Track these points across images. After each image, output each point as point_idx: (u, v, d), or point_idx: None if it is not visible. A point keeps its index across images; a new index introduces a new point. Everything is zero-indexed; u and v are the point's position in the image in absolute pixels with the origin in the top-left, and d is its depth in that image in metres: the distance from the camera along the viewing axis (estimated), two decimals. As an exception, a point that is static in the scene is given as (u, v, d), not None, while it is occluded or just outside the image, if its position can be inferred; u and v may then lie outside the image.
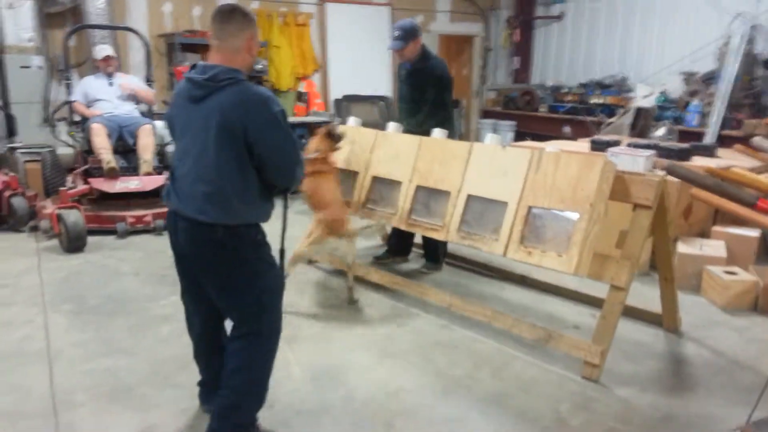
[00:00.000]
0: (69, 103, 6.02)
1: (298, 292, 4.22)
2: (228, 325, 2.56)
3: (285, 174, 2.34)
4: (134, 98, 6.17)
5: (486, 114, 10.33)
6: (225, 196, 2.25)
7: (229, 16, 2.27)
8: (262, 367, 2.48)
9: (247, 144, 2.22)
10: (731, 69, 6.72)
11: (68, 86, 6.08)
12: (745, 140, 6.05)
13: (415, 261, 4.94)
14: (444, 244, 4.60)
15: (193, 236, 2.32)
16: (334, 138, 4.07)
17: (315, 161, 3.93)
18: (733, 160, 4.95)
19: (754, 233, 4.34)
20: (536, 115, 9.15)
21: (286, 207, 2.58)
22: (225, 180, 2.24)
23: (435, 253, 4.72)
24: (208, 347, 2.65)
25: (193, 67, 2.33)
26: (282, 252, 2.61)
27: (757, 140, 2.87)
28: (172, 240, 2.45)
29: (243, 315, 2.41)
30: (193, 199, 2.28)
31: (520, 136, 8.99)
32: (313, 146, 4.04)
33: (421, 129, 4.28)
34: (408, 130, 4.34)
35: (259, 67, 8.18)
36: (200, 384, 2.76)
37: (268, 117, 2.21)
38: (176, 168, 2.39)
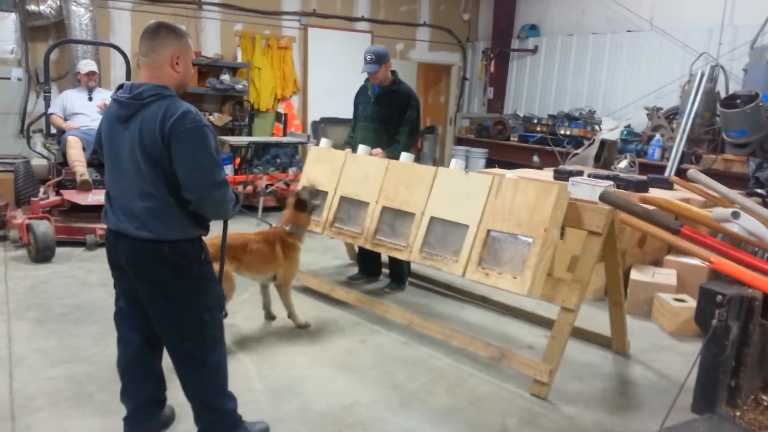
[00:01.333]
0: (47, 115, 6.09)
1: (262, 307, 4.30)
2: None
3: (201, 193, 2.24)
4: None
5: (460, 141, 10.59)
6: (166, 211, 2.27)
7: (155, 32, 2.30)
8: (218, 379, 2.52)
9: (169, 158, 2.21)
10: (692, 106, 7.04)
11: (47, 99, 6.15)
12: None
13: (383, 281, 5.06)
14: (408, 264, 4.75)
15: (135, 254, 2.31)
16: (305, 207, 3.92)
17: (288, 234, 3.84)
18: (688, 193, 5.19)
19: (705, 263, 4.55)
20: (508, 144, 9.42)
21: (225, 227, 2.63)
22: (163, 194, 2.26)
23: (400, 273, 4.85)
24: (142, 373, 2.59)
25: (120, 86, 2.36)
26: (221, 268, 2.65)
27: (691, 172, 3.07)
28: (110, 259, 2.46)
29: (183, 332, 2.41)
30: (134, 216, 2.28)
31: (491, 164, 9.23)
32: (286, 218, 3.92)
33: (407, 151, 4.47)
34: (394, 157, 4.41)
35: (239, 87, 8.36)
36: (128, 419, 2.62)
37: (185, 129, 2.18)
38: (110, 188, 2.40)
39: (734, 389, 2.11)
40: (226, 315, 2.61)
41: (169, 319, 2.41)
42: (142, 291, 2.40)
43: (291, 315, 4.02)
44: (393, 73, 4.73)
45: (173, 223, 2.29)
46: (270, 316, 4.13)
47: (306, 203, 3.94)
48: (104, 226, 5.84)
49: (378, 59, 4.54)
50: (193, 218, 2.35)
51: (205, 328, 2.43)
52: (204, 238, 2.46)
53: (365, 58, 4.56)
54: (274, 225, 3.99)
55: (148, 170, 2.24)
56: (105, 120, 2.40)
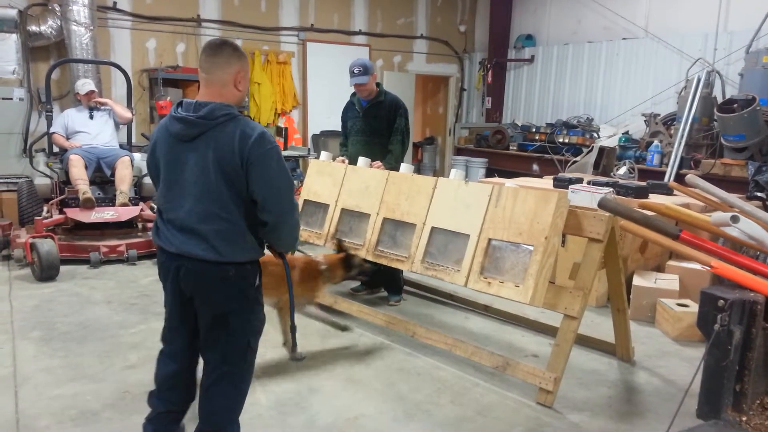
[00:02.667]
0: (49, 134, 6.14)
1: (267, 321, 4.30)
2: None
3: (280, 215, 2.24)
4: (114, 127, 6.29)
5: (459, 151, 10.65)
6: (236, 232, 2.25)
7: (218, 49, 2.27)
8: (241, 405, 2.52)
9: (246, 179, 2.20)
10: (690, 112, 7.08)
11: (49, 118, 6.20)
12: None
13: (384, 292, 5.06)
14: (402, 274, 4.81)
15: (199, 275, 2.27)
16: (350, 265, 3.93)
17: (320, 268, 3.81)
18: (687, 198, 5.21)
19: (707, 267, 4.56)
20: (507, 153, 9.47)
21: (284, 259, 2.63)
22: (234, 216, 2.24)
23: (398, 285, 4.87)
24: (177, 385, 2.54)
25: (180, 104, 2.29)
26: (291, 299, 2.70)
27: (689, 177, 3.09)
28: (170, 284, 2.37)
29: (228, 354, 2.38)
30: (200, 238, 2.24)
31: (490, 173, 9.27)
32: (328, 259, 3.91)
33: (399, 162, 4.57)
34: (391, 167, 4.51)
35: (239, 102, 8.41)
36: (152, 420, 2.60)
37: (265, 151, 2.18)
38: (168, 210, 2.32)
39: (739, 394, 2.11)
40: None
41: (219, 340, 2.36)
42: (200, 311, 2.36)
43: (286, 343, 3.82)
44: (378, 85, 4.80)
45: (241, 245, 2.28)
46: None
47: (352, 264, 3.95)
48: (108, 243, 5.88)
49: (365, 70, 4.61)
50: (259, 240, 2.36)
51: (248, 352, 2.42)
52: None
53: (352, 72, 4.63)
54: (309, 255, 3.90)
55: (221, 191, 2.21)
56: (162, 139, 2.32)
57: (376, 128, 4.76)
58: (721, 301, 2.02)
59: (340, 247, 4.10)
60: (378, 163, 4.59)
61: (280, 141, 9.04)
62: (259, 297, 2.44)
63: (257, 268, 2.39)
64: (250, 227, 2.30)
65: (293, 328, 2.81)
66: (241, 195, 2.23)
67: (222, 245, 2.24)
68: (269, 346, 3.91)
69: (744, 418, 2.09)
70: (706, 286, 4.59)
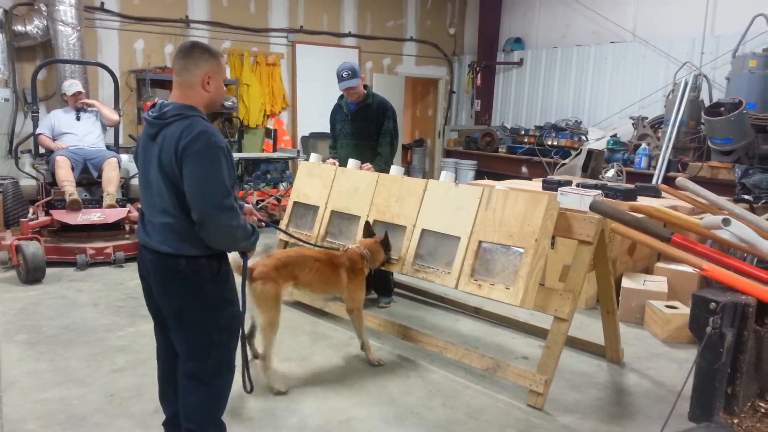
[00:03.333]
0: (35, 135, 6.06)
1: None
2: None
3: (204, 213, 2.21)
4: (101, 128, 6.23)
5: (448, 153, 10.66)
6: (182, 227, 2.29)
7: (188, 51, 2.32)
8: (216, 404, 2.50)
9: (181, 176, 2.22)
10: (677, 115, 7.14)
11: (35, 119, 6.12)
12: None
13: (375, 294, 5.05)
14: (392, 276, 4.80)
15: (157, 267, 2.35)
16: (387, 247, 3.87)
17: (357, 258, 3.74)
18: (675, 201, 5.24)
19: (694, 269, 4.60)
20: (496, 156, 9.50)
21: (245, 260, 2.61)
22: (178, 212, 2.28)
23: (389, 287, 4.86)
24: (175, 384, 2.54)
25: (153, 105, 2.39)
26: (243, 301, 2.60)
27: (679, 180, 3.11)
28: (141, 272, 2.48)
29: (191, 349, 2.39)
30: (157, 231, 2.32)
31: (480, 175, 9.29)
32: (365, 244, 3.84)
33: (390, 162, 4.60)
34: (381, 169, 4.51)
35: (228, 104, 8.37)
36: (166, 424, 2.68)
37: (198, 149, 2.19)
38: (142, 202, 2.46)
39: (731, 397, 2.12)
40: (250, 390, 2.70)
41: (180, 334, 2.40)
42: (162, 303, 2.43)
43: (364, 346, 3.79)
44: (365, 87, 4.79)
45: (190, 240, 2.29)
46: (255, 355, 3.62)
47: (388, 244, 3.89)
48: (95, 245, 5.83)
49: (354, 73, 4.61)
50: None
51: (212, 348, 2.40)
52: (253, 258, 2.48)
53: (341, 76, 4.62)
54: (344, 247, 3.87)
55: (165, 188, 2.27)
56: (140, 139, 2.45)
57: (364, 131, 4.76)
58: (713, 303, 2.03)
59: (369, 231, 3.97)
60: (368, 165, 4.59)
61: (268, 143, 9.01)
62: (224, 293, 2.41)
63: (215, 263, 2.36)
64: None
65: (245, 338, 2.73)
66: (182, 191, 2.25)
67: (172, 238, 2.30)
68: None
69: (736, 421, 2.10)
70: (694, 288, 4.68)
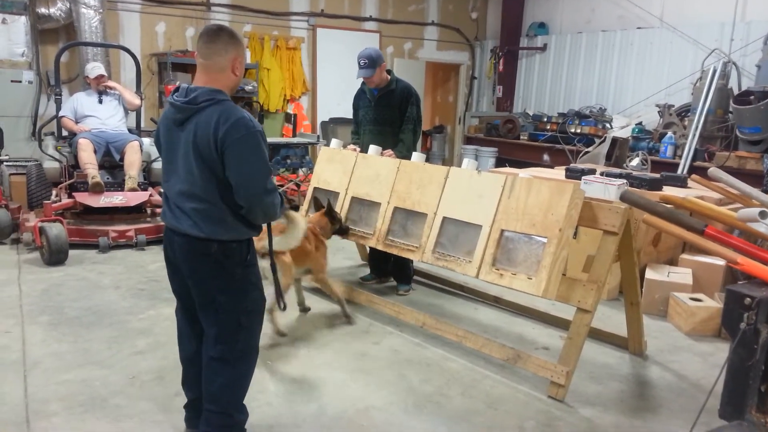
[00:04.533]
0: (58, 118, 6.10)
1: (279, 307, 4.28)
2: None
3: (252, 199, 2.28)
4: (123, 111, 6.26)
5: (469, 140, 10.55)
6: (216, 213, 2.31)
7: (216, 35, 2.31)
8: (241, 387, 2.54)
9: (222, 164, 2.25)
10: (705, 103, 6.97)
11: (58, 101, 6.16)
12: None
13: (394, 281, 5.03)
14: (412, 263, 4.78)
15: (188, 251, 2.37)
16: (332, 216, 4.19)
17: (316, 238, 4.04)
18: (703, 191, 5.13)
19: (720, 261, 4.50)
20: (517, 143, 9.37)
21: (270, 238, 2.64)
22: (213, 198, 2.30)
23: (408, 275, 4.83)
24: (200, 365, 2.56)
25: (177, 89, 2.39)
26: (273, 267, 2.66)
27: (712, 171, 3.02)
28: (167, 255, 2.50)
29: (220, 332, 2.44)
30: (186, 215, 2.33)
31: (500, 163, 9.19)
32: (315, 220, 4.17)
33: (413, 149, 4.56)
34: (403, 156, 4.48)
35: (249, 88, 8.36)
36: (187, 407, 2.71)
37: (240, 137, 2.21)
38: (166, 189, 2.45)
39: (764, 395, 2.06)
40: (284, 308, 2.77)
41: (209, 318, 2.45)
42: (192, 287, 2.44)
43: (341, 303, 4.17)
44: (389, 72, 4.70)
45: (222, 225, 2.33)
46: (304, 309, 4.30)
47: (332, 213, 4.18)
48: (117, 228, 5.90)
49: (371, 63, 4.51)
50: (245, 220, 2.38)
51: (240, 331, 2.46)
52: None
53: (359, 63, 4.54)
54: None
55: (199, 174, 2.28)
56: (162, 123, 2.44)
57: (387, 117, 4.68)
58: (748, 299, 1.96)
59: (318, 204, 4.31)
60: (389, 151, 4.53)
61: (288, 128, 9.00)
62: (251, 277, 2.46)
63: (245, 248, 2.41)
64: (231, 207, 2.33)
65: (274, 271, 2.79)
66: (219, 177, 2.27)
67: (203, 223, 2.31)
68: (277, 336, 3.90)
69: (769, 420, 2.04)
70: (719, 281, 4.58)
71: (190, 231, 2.32)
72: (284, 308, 2.79)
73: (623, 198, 2.87)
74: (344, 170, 4.54)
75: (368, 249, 4.88)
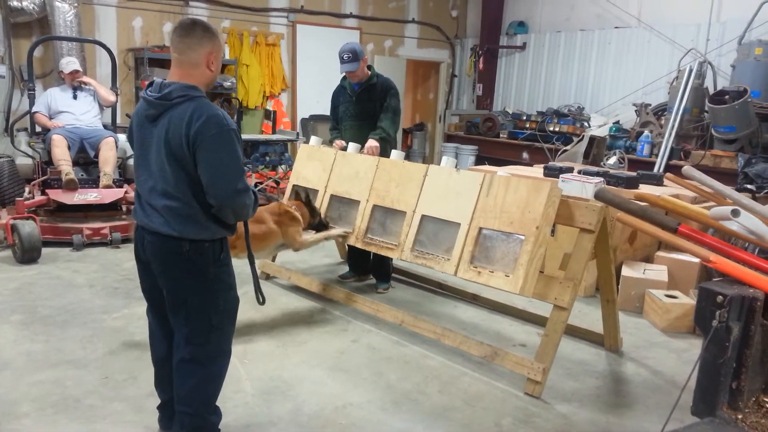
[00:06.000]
0: (31, 113, 5.98)
1: (253, 307, 4.24)
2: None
3: (223, 198, 2.23)
4: (98, 107, 6.16)
5: (449, 138, 10.56)
6: (188, 211, 2.27)
7: (190, 29, 2.27)
8: (213, 388, 2.51)
9: (194, 161, 2.21)
10: (681, 102, 7.06)
11: (31, 97, 6.04)
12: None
13: (372, 279, 5.02)
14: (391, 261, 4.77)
15: (159, 249, 2.33)
16: (311, 206, 4.20)
17: (286, 214, 4.03)
18: (679, 189, 5.20)
19: (695, 259, 4.56)
20: (497, 141, 9.41)
21: (247, 234, 2.60)
22: (185, 196, 2.26)
23: (387, 272, 4.83)
24: (170, 366, 2.53)
25: (150, 84, 2.33)
26: (252, 264, 2.61)
27: (686, 169, 3.06)
28: (138, 254, 2.46)
29: (191, 333, 2.40)
30: (158, 213, 2.29)
31: (480, 161, 9.22)
32: (292, 201, 4.22)
33: (392, 135, 4.59)
34: (381, 138, 4.53)
35: (227, 84, 8.27)
36: (161, 408, 2.69)
37: (213, 134, 2.17)
38: (138, 185, 2.41)
39: (736, 392, 2.08)
40: (263, 302, 2.67)
41: (180, 318, 2.40)
42: (163, 286, 2.41)
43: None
44: (369, 67, 4.70)
45: (196, 223, 2.29)
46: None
47: (310, 203, 4.20)
48: (92, 225, 5.80)
49: (355, 56, 4.50)
50: (218, 219, 2.34)
51: (212, 332, 2.41)
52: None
53: (342, 58, 4.52)
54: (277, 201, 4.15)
55: (171, 171, 2.24)
56: (135, 118, 2.39)
57: (369, 111, 4.67)
58: (720, 296, 1.98)
59: (297, 196, 4.30)
60: (371, 147, 4.48)
61: (267, 124, 8.92)
62: (224, 276, 2.41)
63: (218, 247, 2.37)
64: (204, 206, 2.29)
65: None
66: (191, 175, 2.24)
67: (175, 221, 2.27)
68: (253, 333, 3.87)
69: (740, 416, 2.07)
70: (694, 278, 4.65)
71: (162, 229, 2.28)
72: (263, 302, 2.72)
73: (598, 196, 2.90)
74: (324, 167, 4.51)
75: (347, 247, 4.87)
